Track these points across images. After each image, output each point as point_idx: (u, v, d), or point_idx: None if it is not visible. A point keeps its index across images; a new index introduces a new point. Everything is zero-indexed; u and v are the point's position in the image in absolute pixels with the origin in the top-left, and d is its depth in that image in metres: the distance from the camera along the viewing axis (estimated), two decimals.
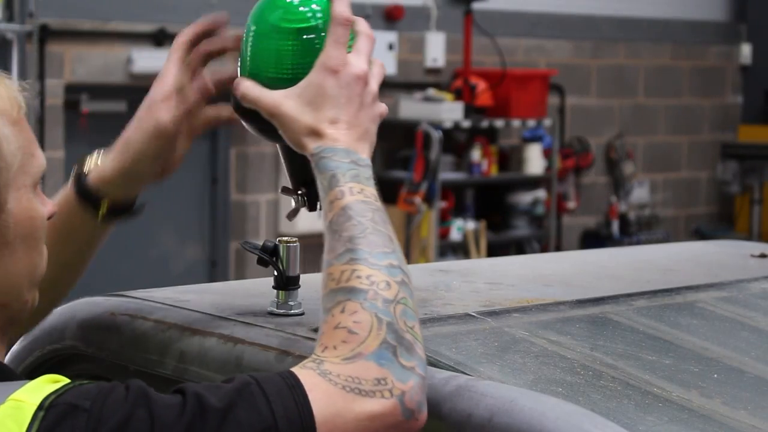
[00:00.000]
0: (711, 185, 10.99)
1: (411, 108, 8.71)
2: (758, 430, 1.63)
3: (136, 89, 7.87)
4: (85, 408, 1.32)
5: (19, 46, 7.03)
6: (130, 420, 1.32)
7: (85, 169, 1.75)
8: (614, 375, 1.70)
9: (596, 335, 1.85)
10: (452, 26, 9.00)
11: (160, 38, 7.81)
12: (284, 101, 1.59)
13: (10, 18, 7.02)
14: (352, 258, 1.47)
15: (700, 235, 10.65)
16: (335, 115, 1.57)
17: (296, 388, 1.37)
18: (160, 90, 1.70)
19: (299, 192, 1.72)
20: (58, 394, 1.33)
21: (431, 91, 8.77)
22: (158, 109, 1.70)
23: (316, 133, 1.57)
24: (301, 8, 1.63)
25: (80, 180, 1.75)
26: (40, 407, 1.31)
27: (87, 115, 7.59)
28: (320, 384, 1.38)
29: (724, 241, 2.89)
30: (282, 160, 1.74)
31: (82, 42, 7.57)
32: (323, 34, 1.62)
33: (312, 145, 1.56)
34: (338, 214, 1.51)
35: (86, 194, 1.74)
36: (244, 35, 1.67)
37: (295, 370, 1.40)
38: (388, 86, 8.81)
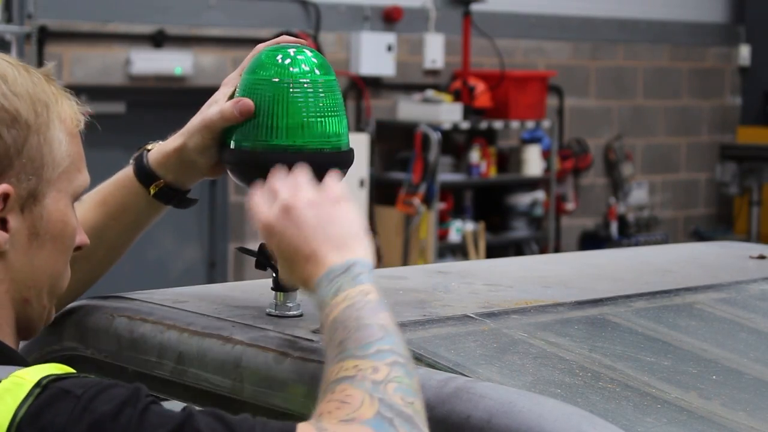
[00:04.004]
0: (710, 186, 10.99)
1: (410, 109, 8.71)
2: (757, 431, 1.63)
3: (135, 90, 7.89)
4: (76, 395, 1.34)
5: (18, 47, 7.02)
6: (118, 416, 1.33)
7: (148, 146, 1.89)
8: (613, 376, 1.70)
9: (595, 337, 1.85)
10: (451, 27, 9.00)
11: (159, 40, 7.81)
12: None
13: (8, 19, 7.01)
14: (339, 358, 1.45)
15: (698, 236, 10.65)
16: (307, 250, 1.55)
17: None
18: (222, 91, 1.84)
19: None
20: (58, 377, 1.37)
21: (430, 93, 8.77)
22: (215, 105, 1.82)
23: (308, 275, 1.56)
24: (291, 69, 1.78)
25: (140, 158, 1.88)
26: (37, 385, 1.36)
27: (86, 116, 7.58)
28: None
29: (723, 243, 2.89)
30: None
31: (81, 43, 7.57)
32: (310, 90, 1.77)
33: (310, 281, 1.55)
34: (328, 328, 1.49)
35: (143, 171, 1.87)
36: (239, 86, 1.83)
37: (297, 423, 1.38)
38: (387, 87, 8.82)
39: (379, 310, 1.48)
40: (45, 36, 7.35)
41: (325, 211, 1.56)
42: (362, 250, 1.54)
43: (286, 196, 1.57)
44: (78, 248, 1.63)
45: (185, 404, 1.43)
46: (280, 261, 1.59)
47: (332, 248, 1.53)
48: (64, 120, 1.59)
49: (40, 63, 7.32)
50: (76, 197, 1.60)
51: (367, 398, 1.38)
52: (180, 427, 1.34)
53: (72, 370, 1.41)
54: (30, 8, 7.16)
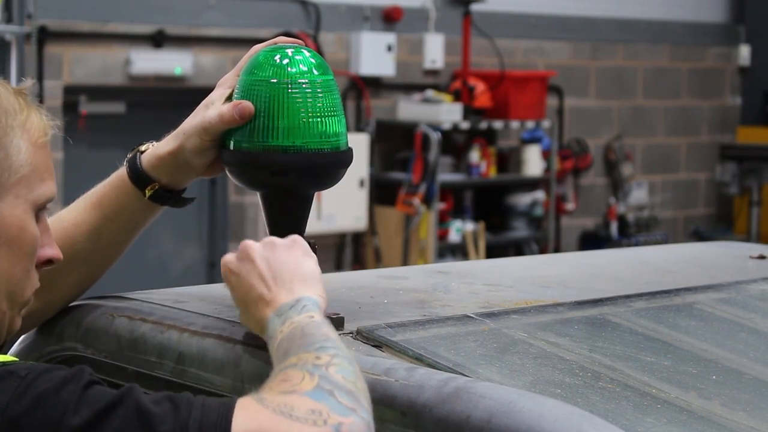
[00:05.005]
0: (710, 187, 10.99)
1: (410, 109, 8.71)
2: (757, 431, 1.63)
3: (135, 90, 7.89)
4: (20, 375, 1.40)
5: (18, 47, 7.02)
6: (60, 391, 1.38)
7: (142, 148, 1.88)
8: (613, 376, 1.70)
9: (595, 337, 1.85)
10: (451, 27, 9.00)
11: (159, 40, 7.81)
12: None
13: (8, 19, 7.02)
14: (284, 359, 1.51)
15: (698, 236, 10.64)
16: (258, 290, 1.64)
17: (226, 404, 1.41)
18: (218, 92, 1.84)
19: (310, 242, 1.77)
20: (3, 364, 1.43)
21: (430, 93, 8.77)
22: (212, 107, 1.81)
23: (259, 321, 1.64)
24: (289, 69, 1.78)
25: (133, 160, 1.87)
26: None
27: (86, 116, 7.59)
28: (252, 405, 1.40)
29: (723, 243, 2.89)
30: (265, 216, 1.82)
31: (81, 43, 7.57)
32: (308, 90, 1.77)
33: (263, 320, 1.63)
34: (276, 350, 1.56)
35: (137, 174, 1.86)
36: (237, 87, 1.82)
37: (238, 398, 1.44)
38: (387, 87, 8.82)
39: (322, 326, 1.55)
40: (45, 36, 7.35)
41: (278, 255, 1.64)
42: (311, 291, 1.62)
43: (246, 242, 1.66)
44: (49, 262, 1.65)
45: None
46: (236, 302, 1.67)
47: (282, 290, 1.61)
48: (29, 130, 1.61)
49: (40, 63, 7.33)
50: (39, 207, 1.62)
51: (308, 375, 1.44)
52: (120, 398, 1.39)
53: (17, 359, 1.47)
54: (30, 8, 7.17)
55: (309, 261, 1.66)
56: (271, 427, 1.37)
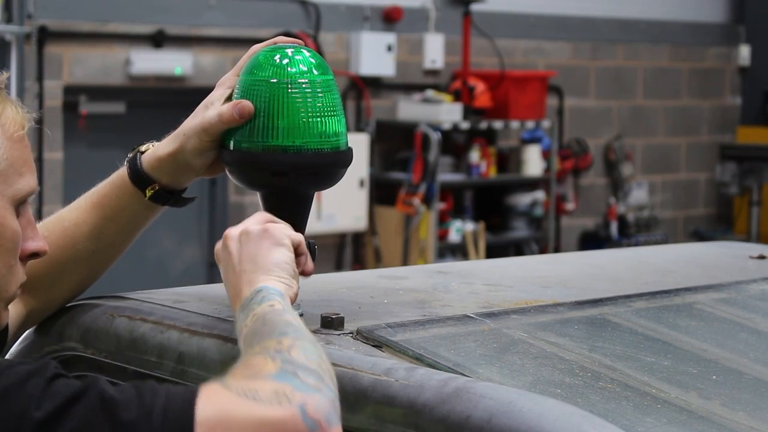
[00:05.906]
0: (710, 187, 10.99)
1: (410, 109, 8.71)
2: (757, 431, 1.63)
3: (135, 91, 7.89)
4: None
5: (18, 47, 7.02)
6: (24, 384, 1.39)
7: (142, 148, 1.88)
8: (613, 376, 1.70)
9: (595, 337, 1.85)
10: (451, 27, 9.00)
11: (159, 40, 7.81)
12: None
13: (8, 19, 7.02)
14: (247, 348, 1.53)
15: (698, 236, 10.64)
16: (231, 284, 1.68)
17: (190, 390, 1.42)
18: (218, 92, 1.84)
19: (310, 242, 1.76)
20: None
21: (430, 93, 8.77)
22: (212, 108, 1.82)
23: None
24: (289, 69, 1.79)
25: (134, 161, 1.87)
26: None
27: (86, 116, 7.58)
28: (216, 389, 1.42)
29: (723, 243, 2.89)
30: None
31: (81, 43, 7.57)
32: (308, 90, 1.78)
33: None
34: (242, 343, 1.58)
35: (137, 174, 1.86)
36: (236, 87, 1.83)
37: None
38: (387, 87, 8.82)
39: (284, 313, 1.57)
40: (45, 36, 7.35)
41: (247, 247, 1.67)
42: (274, 280, 1.64)
43: (228, 231, 1.70)
44: (35, 255, 1.65)
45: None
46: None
47: (245, 284, 1.64)
48: (3, 125, 1.60)
49: (40, 63, 7.33)
50: (18, 201, 1.62)
51: (270, 360, 1.45)
52: (84, 389, 1.40)
53: None
54: (30, 8, 7.17)
55: (276, 250, 1.67)
56: (235, 409, 1.38)
